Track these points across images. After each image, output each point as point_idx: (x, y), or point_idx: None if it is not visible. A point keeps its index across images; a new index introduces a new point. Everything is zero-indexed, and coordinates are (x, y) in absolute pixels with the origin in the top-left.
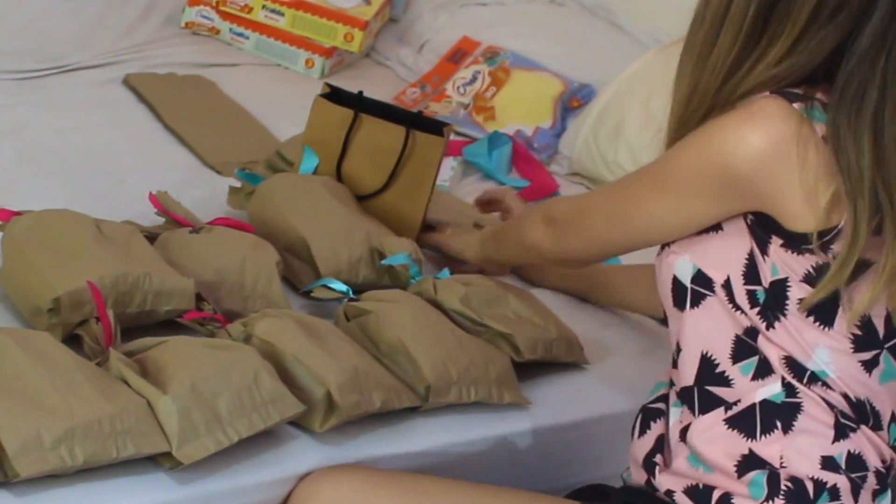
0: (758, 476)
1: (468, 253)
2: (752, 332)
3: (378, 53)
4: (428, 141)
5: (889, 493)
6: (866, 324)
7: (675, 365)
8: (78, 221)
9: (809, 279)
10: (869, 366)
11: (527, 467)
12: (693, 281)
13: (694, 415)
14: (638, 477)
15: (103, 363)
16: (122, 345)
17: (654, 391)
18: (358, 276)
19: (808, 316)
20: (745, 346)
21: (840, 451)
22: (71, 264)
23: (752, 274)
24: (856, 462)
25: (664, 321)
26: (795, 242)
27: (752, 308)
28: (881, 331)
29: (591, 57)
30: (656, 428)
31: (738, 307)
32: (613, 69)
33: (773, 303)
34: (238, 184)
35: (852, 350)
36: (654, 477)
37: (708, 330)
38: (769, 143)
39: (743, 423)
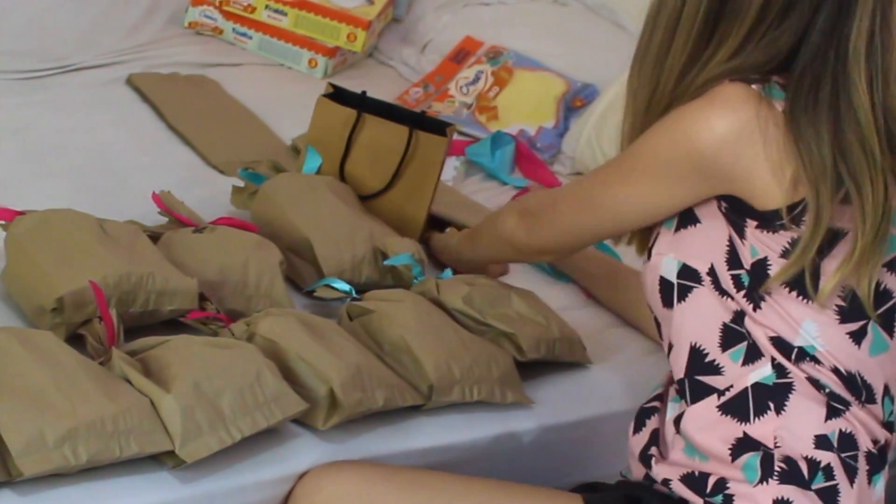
0: (751, 459)
1: (444, 256)
2: (739, 317)
3: (381, 53)
4: (431, 141)
5: (884, 474)
6: (850, 295)
7: (669, 361)
8: (81, 221)
9: (787, 254)
10: (857, 337)
11: (529, 466)
12: (679, 276)
13: (686, 404)
14: (636, 471)
15: (106, 362)
16: (125, 344)
17: (652, 393)
18: (361, 275)
19: (790, 291)
20: (733, 333)
21: (832, 429)
22: (74, 264)
23: (734, 259)
24: (848, 442)
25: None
26: (768, 221)
27: (738, 292)
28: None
29: (594, 56)
30: (651, 424)
31: (724, 293)
32: (616, 69)
33: (756, 283)
34: (241, 183)
35: (838, 321)
36: (650, 469)
37: (696, 321)
38: (732, 125)
39: (736, 407)
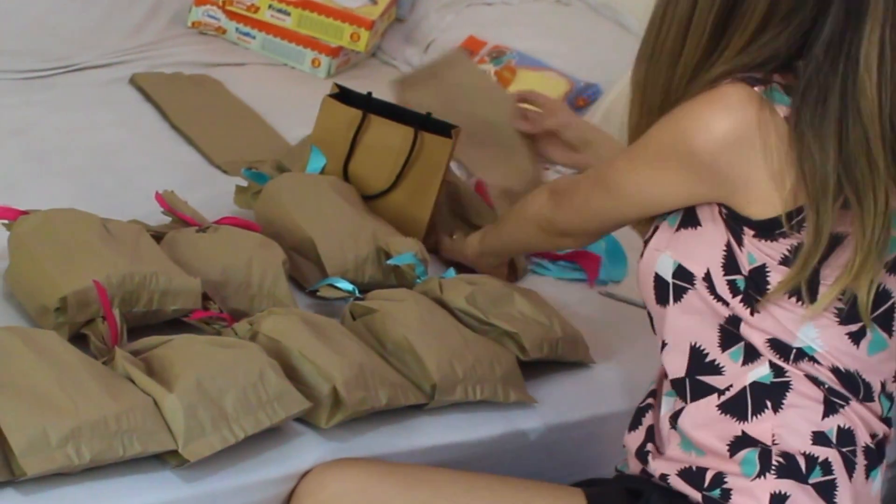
0: (749, 454)
1: (468, 249)
2: (734, 321)
3: (384, 53)
4: (436, 143)
5: (881, 468)
6: (850, 297)
7: (662, 358)
8: (85, 221)
9: (787, 262)
10: (856, 337)
11: (532, 465)
12: (674, 276)
13: (685, 403)
14: (633, 467)
15: (109, 362)
16: (129, 343)
17: (647, 390)
18: (364, 275)
19: (789, 297)
20: (730, 335)
21: (830, 426)
22: (78, 263)
23: (731, 264)
24: (846, 437)
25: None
26: (766, 230)
27: (734, 297)
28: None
29: (597, 56)
30: (646, 421)
31: (719, 298)
32: (619, 69)
33: (754, 289)
34: (244, 183)
35: (838, 322)
36: (647, 465)
37: (693, 322)
38: (732, 128)
39: (735, 407)
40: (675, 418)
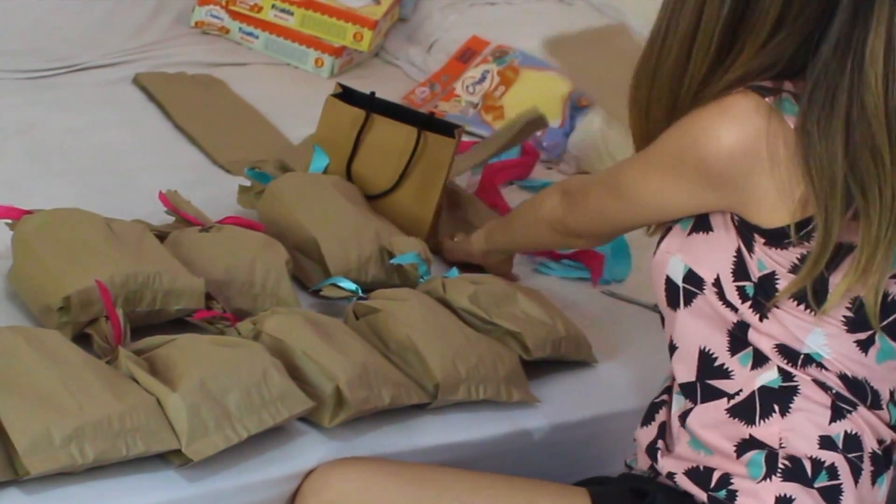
0: (756, 455)
1: (474, 247)
2: (742, 326)
3: (387, 53)
4: (439, 142)
5: (888, 474)
6: (857, 305)
7: (671, 360)
8: (89, 220)
9: (796, 270)
10: (865, 345)
11: (535, 465)
12: (685, 280)
13: (695, 403)
14: (642, 462)
15: (113, 361)
16: (132, 343)
17: (661, 386)
18: (367, 274)
19: (797, 304)
20: (738, 340)
21: (837, 431)
22: (81, 263)
23: (740, 270)
24: (853, 442)
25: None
26: (776, 238)
27: (742, 303)
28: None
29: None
30: (659, 417)
31: (728, 304)
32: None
33: (763, 295)
34: (248, 183)
35: (846, 330)
36: (656, 462)
37: (702, 327)
38: (740, 139)
39: (743, 411)
40: (683, 417)
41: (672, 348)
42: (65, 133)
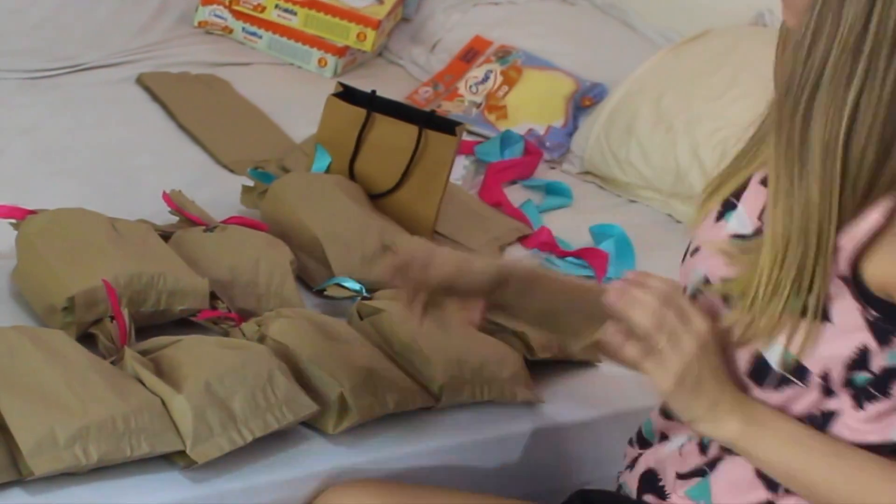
0: None
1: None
2: (828, 416)
3: (391, 52)
4: (440, 140)
5: None
6: None
7: None
8: (93, 220)
9: None
10: None
11: (539, 465)
12: (784, 367)
13: (723, 454)
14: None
15: (118, 362)
16: (137, 343)
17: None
18: (371, 274)
19: None
20: (817, 422)
21: None
22: (85, 263)
23: (860, 362)
24: None
25: None
26: None
27: (844, 389)
28: None
29: (603, 56)
30: (641, 465)
31: (829, 392)
32: (625, 68)
33: (878, 387)
34: (251, 183)
35: None
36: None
37: (778, 406)
38: None
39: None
40: (700, 474)
41: None
42: (68, 133)
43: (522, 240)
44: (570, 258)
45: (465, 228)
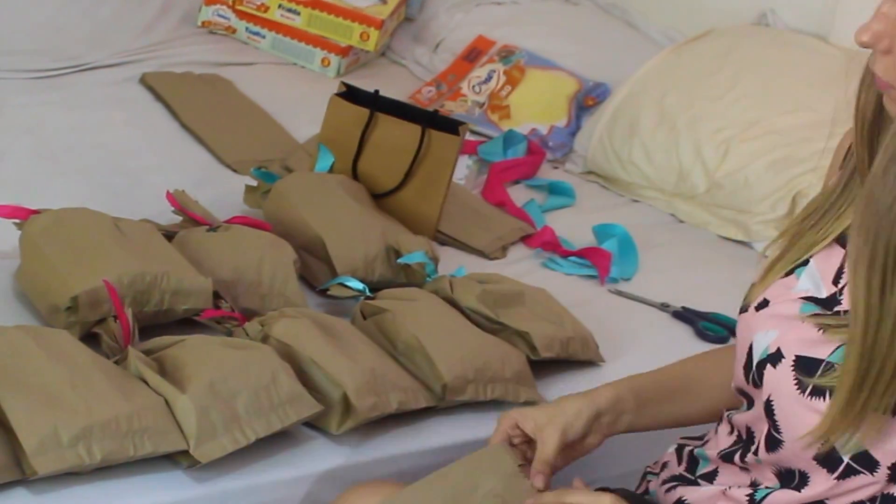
0: None
1: None
2: (891, 500)
3: (394, 52)
4: (443, 140)
5: None
6: None
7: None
8: (96, 220)
9: None
10: None
11: None
12: (854, 459)
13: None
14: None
15: (122, 361)
16: (141, 343)
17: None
18: (374, 273)
19: None
20: (888, 502)
21: None
22: (89, 263)
23: None
24: None
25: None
26: None
27: None
28: None
29: (606, 56)
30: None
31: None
32: (628, 68)
33: None
34: (254, 182)
35: None
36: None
37: (851, 494)
38: None
39: None
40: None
41: (786, 472)
42: (72, 133)
43: (525, 239)
44: (573, 258)
45: (468, 228)
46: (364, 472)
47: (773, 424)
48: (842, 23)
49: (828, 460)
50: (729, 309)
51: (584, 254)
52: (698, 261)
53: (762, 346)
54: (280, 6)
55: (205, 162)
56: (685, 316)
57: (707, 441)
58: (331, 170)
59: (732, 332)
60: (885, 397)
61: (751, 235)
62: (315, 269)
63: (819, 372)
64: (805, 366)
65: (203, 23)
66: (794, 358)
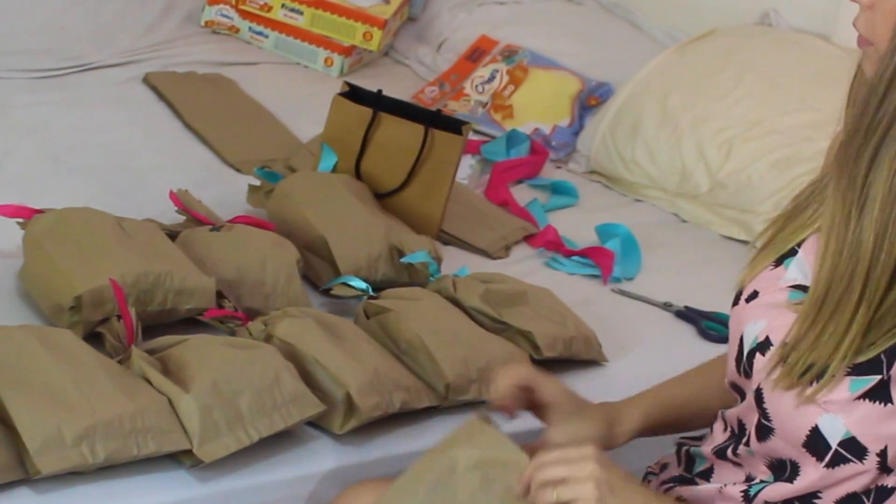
0: None
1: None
2: (885, 492)
3: (397, 52)
4: (447, 139)
5: None
6: None
7: (777, 470)
8: (100, 219)
9: None
10: None
11: None
12: (842, 445)
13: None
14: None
15: (125, 361)
16: (144, 343)
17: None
18: (377, 273)
19: None
20: (881, 496)
21: None
22: (93, 262)
23: None
24: None
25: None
26: None
27: None
28: None
29: (609, 55)
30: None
31: (888, 470)
32: (631, 68)
33: None
34: (257, 182)
35: None
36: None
37: (837, 481)
38: None
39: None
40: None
41: (777, 463)
42: (75, 132)
43: (528, 239)
44: (576, 257)
45: (471, 227)
46: (367, 472)
47: (763, 413)
48: (845, 23)
49: (816, 448)
50: None
51: (587, 253)
52: (701, 260)
53: (752, 336)
54: (283, 6)
55: (208, 161)
56: (688, 315)
57: (703, 439)
58: (334, 169)
59: None
60: (841, 324)
61: (754, 235)
62: (318, 269)
63: None
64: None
65: (206, 22)
66: (781, 345)
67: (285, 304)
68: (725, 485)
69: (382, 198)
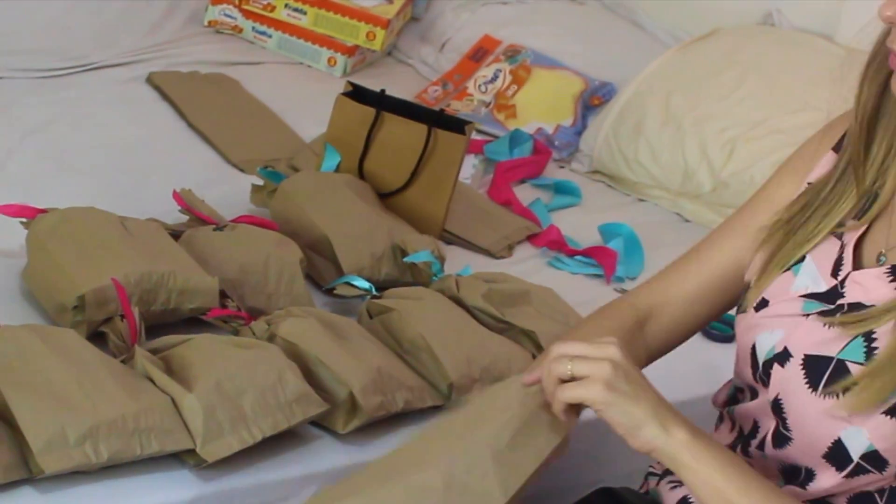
0: None
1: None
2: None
3: (400, 52)
4: (450, 139)
5: None
6: None
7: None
8: (103, 219)
9: None
10: None
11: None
12: (864, 458)
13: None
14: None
15: (128, 360)
16: (148, 342)
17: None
18: (380, 273)
19: None
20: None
21: None
22: (96, 262)
23: None
24: None
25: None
26: None
27: None
28: None
29: (612, 55)
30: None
31: None
32: (634, 67)
33: None
34: (261, 182)
35: None
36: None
37: (855, 488)
38: None
39: None
40: None
41: (791, 469)
42: (78, 132)
43: (531, 238)
44: (578, 257)
45: (474, 227)
46: None
47: (783, 422)
48: (847, 22)
49: (836, 460)
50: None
51: (589, 253)
52: None
53: (767, 346)
54: (286, 6)
55: (211, 161)
56: None
57: None
58: (337, 169)
59: None
60: None
61: None
62: (321, 268)
63: (829, 370)
64: (814, 364)
65: (209, 22)
66: (802, 357)
67: (288, 304)
68: None
69: (385, 197)
